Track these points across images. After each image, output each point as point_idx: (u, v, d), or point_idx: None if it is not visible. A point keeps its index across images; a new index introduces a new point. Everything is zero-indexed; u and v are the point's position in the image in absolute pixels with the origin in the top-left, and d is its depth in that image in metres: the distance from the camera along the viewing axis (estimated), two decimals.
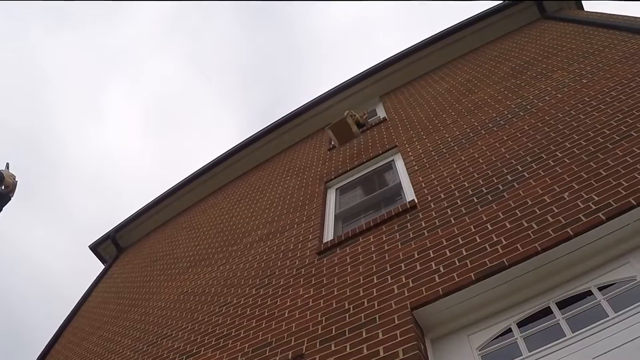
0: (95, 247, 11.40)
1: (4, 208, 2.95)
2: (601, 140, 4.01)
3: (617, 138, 3.92)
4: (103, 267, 11.16)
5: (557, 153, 4.19)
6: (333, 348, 3.58)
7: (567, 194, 3.63)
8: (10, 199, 2.94)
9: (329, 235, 5.41)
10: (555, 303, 3.19)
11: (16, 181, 2.96)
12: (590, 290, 3.11)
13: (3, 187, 2.90)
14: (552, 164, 4.09)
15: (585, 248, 3.23)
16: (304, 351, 3.75)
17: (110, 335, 6.89)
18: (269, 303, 4.67)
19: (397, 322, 3.44)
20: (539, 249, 3.28)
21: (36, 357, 8.44)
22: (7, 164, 3.04)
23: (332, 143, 8.10)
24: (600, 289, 3.08)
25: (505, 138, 4.95)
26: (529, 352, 3.00)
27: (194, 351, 4.80)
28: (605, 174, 3.60)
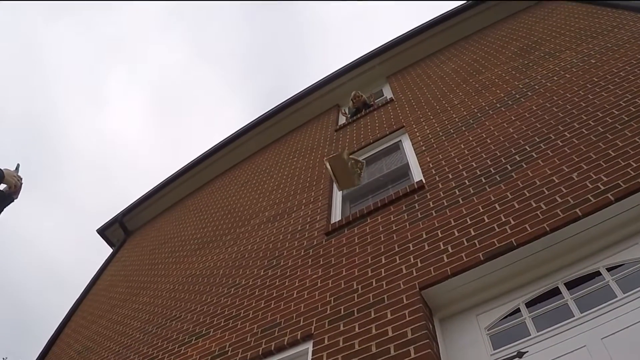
0: (103, 231, 11.47)
1: (5, 208, 2.92)
2: (610, 121, 3.98)
3: (626, 119, 3.88)
4: (111, 251, 11.23)
5: (566, 133, 4.17)
6: (342, 328, 3.60)
7: (575, 174, 3.61)
8: (13, 201, 2.90)
9: (336, 216, 5.42)
10: (564, 283, 3.19)
11: (21, 183, 2.92)
12: (599, 271, 3.11)
13: (7, 188, 2.86)
14: (561, 144, 4.06)
15: (594, 229, 3.22)
16: (312, 331, 3.78)
17: (120, 318, 6.96)
18: (277, 284, 4.69)
19: (405, 302, 3.46)
20: (548, 229, 3.27)
21: (46, 342, 8.56)
22: (18, 165, 3.01)
23: (341, 121, 8.10)
24: (609, 269, 3.08)
25: (513, 118, 4.92)
26: (537, 332, 3.01)
27: (203, 332, 4.85)
28: (614, 154, 3.58)
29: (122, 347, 5.98)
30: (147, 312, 6.39)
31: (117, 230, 11.39)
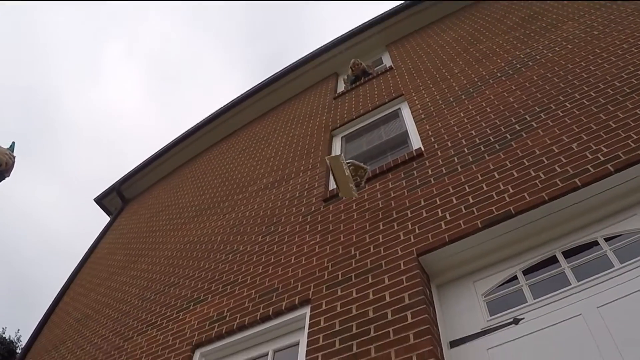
0: (101, 200, 11.46)
1: None
2: (611, 93, 3.96)
3: (628, 91, 3.86)
4: (109, 219, 11.23)
5: (566, 104, 4.15)
6: (339, 293, 3.64)
7: (575, 144, 3.61)
8: (4, 178, 2.85)
9: (334, 182, 5.39)
10: (561, 252, 3.22)
11: (13, 161, 2.86)
12: (596, 241, 3.14)
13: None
14: (561, 114, 4.05)
15: (593, 199, 3.24)
16: (310, 296, 3.81)
17: (118, 285, 7.00)
18: (275, 250, 4.72)
19: (403, 267, 3.49)
20: (546, 198, 3.28)
21: (45, 311, 8.62)
22: (13, 143, 2.96)
23: (338, 88, 8.04)
24: (607, 239, 3.10)
25: (514, 88, 4.89)
26: (534, 299, 3.05)
27: (201, 298, 4.89)
28: (614, 126, 3.57)
29: (120, 314, 6.04)
30: (145, 279, 6.43)
31: (114, 199, 11.39)
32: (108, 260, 8.60)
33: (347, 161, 4.20)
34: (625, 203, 3.18)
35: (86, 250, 10.11)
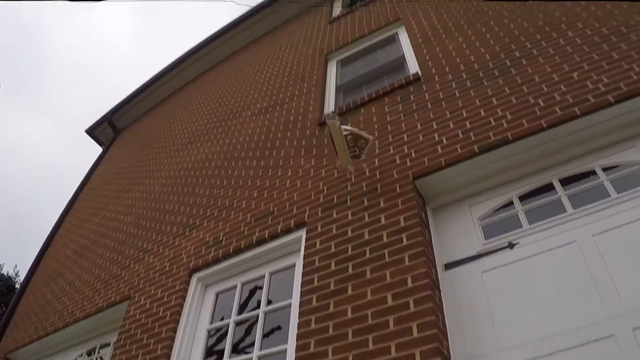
0: (92, 131, 11.32)
1: None
2: (615, 24, 3.84)
3: (632, 23, 3.75)
4: (101, 150, 11.13)
5: (569, 32, 4.04)
6: (335, 216, 3.65)
7: (576, 74, 3.54)
8: None
9: (330, 106, 5.34)
10: (558, 180, 3.23)
11: None
12: (594, 170, 3.14)
13: None
14: (563, 43, 3.95)
15: (592, 129, 3.22)
16: (306, 219, 3.83)
17: (113, 215, 7.02)
18: (270, 174, 4.71)
19: (398, 191, 3.49)
20: (545, 125, 3.25)
21: (41, 245, 8.66)
22: None
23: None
24: (605, 169, 3.10)
25: (515, 16, 4.75)
26: (530, 224, 3.08)
27: (197, 223, 4.91)
28: (617, 57, 3.49)
29: (117, 243, 6.08)
30: (140, 207, 6.44)
31: (106, 130, 11.25)
32: (102, 190, 8.59)
33: (347, 128, 3.70)
34: (625, 134, 3.17)
35: (79, 182, 10.08)
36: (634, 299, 2.47)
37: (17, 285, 16.16)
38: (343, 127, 3.61)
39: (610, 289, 2.56)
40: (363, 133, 3.73)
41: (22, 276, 16.10)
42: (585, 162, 3.21)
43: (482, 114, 3.70)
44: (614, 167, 3.09)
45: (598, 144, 3.22)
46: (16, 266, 20.32)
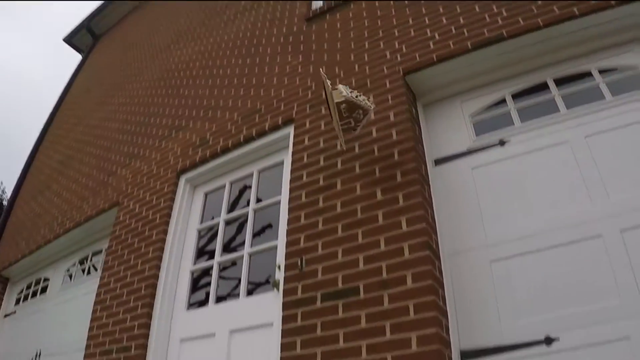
0: (71, 39, 10.85)
1: None
2: None
3: None
4: (81, 58, 10.75)
5: None
6: (323, 112, 3.59)
7: None
8: None
9: (318, 1, 5.11)
10: (553, 79, 3.16)
11: None
12: (590, 72, 3.06)
13: None
14: None
15: (590, 30, 3.10)
16: (293, 116, 3.77)
17: (97, 122, 6.89)
18: (256, 72, 4.58)
19: (388, 86, 3.41)
20: (541, 23, 3.13)
21: (26, 158, 8.52)
22: None
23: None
24: (601, 72, 3.03)
25: None
26: (522, 122, 3.05)
27: (183, 124, 4.83)
28: None
29: (102, 150, 6.01)
30: (124, 112, 6.31)
31: (85, 37, 10.78)
32: (84, 99, 8.39)
33: (343, 94, 2.85)
34: (623, 38, 3.07)
35: (60, 92, 9.80)
36: (623, 201, 2.49)
37: (5, 203, 16.17)
38: (339, 91, 2.87)
39: (600, 190, 2.58)
40: (361, 101, 2.91)
41: (9, 192, 16.16)
42: (582, 63, 3.13)
43: (477, 9, 3.54)
44: (611, 70, 3.01)
45: (595, 45, 3.13)
46: (1, 183, 20.15)
